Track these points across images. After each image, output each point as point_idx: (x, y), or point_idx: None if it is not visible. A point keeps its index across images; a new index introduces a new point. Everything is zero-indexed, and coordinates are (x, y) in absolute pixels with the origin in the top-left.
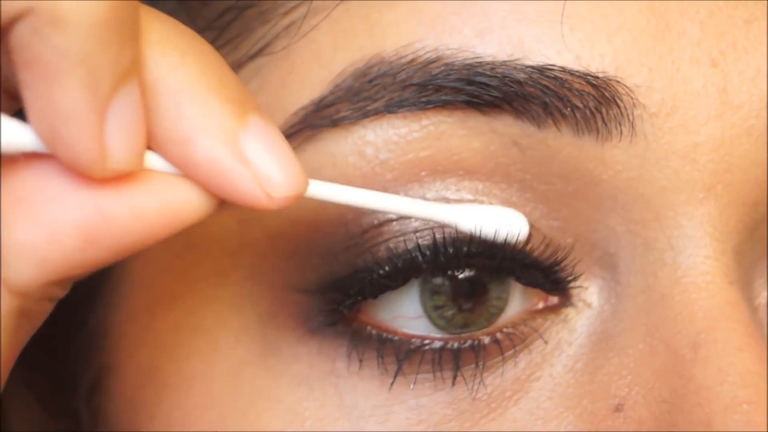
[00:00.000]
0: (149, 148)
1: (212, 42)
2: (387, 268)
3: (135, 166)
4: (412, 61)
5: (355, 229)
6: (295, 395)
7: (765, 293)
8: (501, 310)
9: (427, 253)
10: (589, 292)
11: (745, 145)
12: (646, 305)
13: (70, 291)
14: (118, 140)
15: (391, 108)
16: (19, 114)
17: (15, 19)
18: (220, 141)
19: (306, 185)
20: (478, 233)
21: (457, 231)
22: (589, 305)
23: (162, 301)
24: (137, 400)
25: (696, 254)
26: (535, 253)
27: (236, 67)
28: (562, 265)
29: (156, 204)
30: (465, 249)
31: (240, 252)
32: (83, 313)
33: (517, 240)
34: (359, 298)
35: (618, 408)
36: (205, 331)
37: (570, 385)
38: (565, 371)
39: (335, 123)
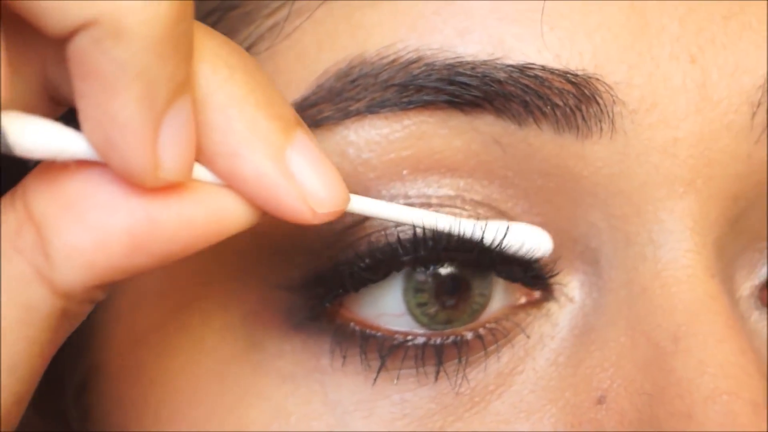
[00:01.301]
0: (197, 160)
1: None
2: (368, 261)
3: (185, 177)
4: (394, 61)
5: (338, 226)
6: (280, 392)
7: (746, 285)
8: (484, 306)
9: (408, 246)
10: (571, 286)
11: (724, 139)
12: (627, 299)
13: None
14: (171, 152)
15: (373, 108)
16: (62, 119)
17: (77, 30)
18: (267, 156)
19: (347, 201)
20: (505, 249)
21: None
22: (571, 299)
23: (147, 301)
24: (125, 398)
25: (677, 248)
26: (514, 248)
27: None
28: (545, 262)
29: (203, 213)
30: (444, 242)
31: (224, 251)
32: None
33: (541, 255)
34: (341, 291)
35: (600, 400)
36: (191, 329)
37: (552, 379)
38: (547, 365)
39: (318, 123)
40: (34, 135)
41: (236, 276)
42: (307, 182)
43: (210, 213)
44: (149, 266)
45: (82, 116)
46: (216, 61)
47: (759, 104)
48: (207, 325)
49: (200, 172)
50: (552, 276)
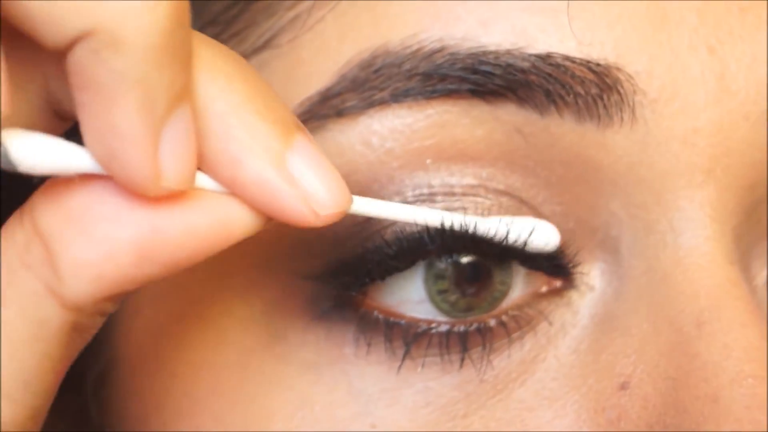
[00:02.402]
0: (199, 168)
1: (217, 36)
2: (394, 249)
3: (187, 185)
4: (417, 51)
5: (362, 216)
6: (304, 381)
7: (763, 273)
8: (504, 294)
9: (435, 234)
10: (592, 275)
11: (742, 129)
12: (648, 286)
13: None
14: (172, 160)
15: (397, 98)
16: (68, 134)
17: (75, 41)
18: (268, 162)
19: (350, 202)
20: (513, 243)
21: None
22: (591, 288)
23: (168, 293)
24: (144, 391)
25: (697, 235)
26: (528, 243)
27: None
28: (568, 249)
29: (207, 221)
30: (471, 232)
31: (246, 241)
32: None
33: (548, 248)
34: (366, 280)
35: (623, 386)
36: (212, 320)
37: (575, 366)
38: (569, 352)
39: (341, 113)
40: (36, 151)
41: (258, 266)
42: (309, 185)
43: (214, 221)
44: (157, 276)
45: (84, 128)
46: (213, 70)
47: None
48: (228, 316)
49: (203, 180)
50: (575, 266)
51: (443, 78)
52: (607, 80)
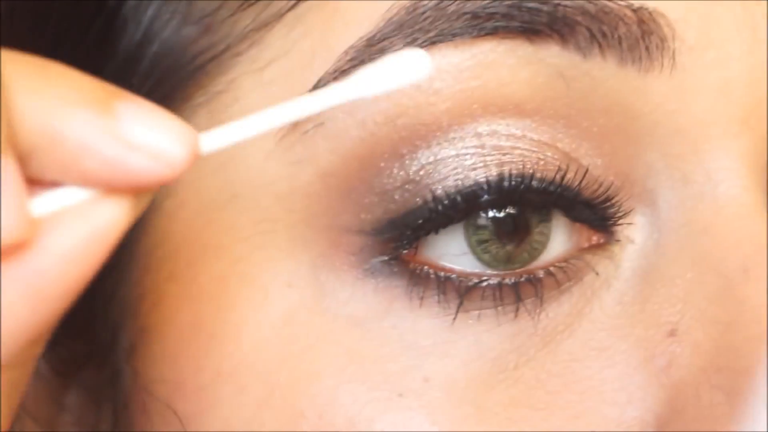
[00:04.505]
0: (57, 184)
1: None
2: (446, 203)
3: (24, 235)
4: None
5: (411, 165)
6: (353, 336)
7: None
8: (543, 246)
9: (490, 186)
10: (631, 228)
11: None
12: (689, 237)
13: None
14: (2, 216)
15: (443, 37)
16: None
17: None
18: (103, 140)
19: (196, 138)
20: (387, 88)
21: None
22: (632, 241)
23: (205, 255)
24: (180, 356)
25: (735, 185)
26: (587, 192)
27: (276, 18)
28: (614, 201)
29: (77, 237)
30: (528, 183)
31: (290, 196)
32: (111, 286)
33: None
34: (420, 233)
35: (672, 333)
36: (254, 278)
37: (620, 317)
38: (614, 304)
39: None
40: None
41: (304, 221)
42: (150, 141)
43: (83, 232)
44: (62, 305)
45: None
46: (18, 94)
47: None
48: (271, 273)
49: (57, 197)
50: (619, 217)
51: (490, 16)
52: (651, 24)
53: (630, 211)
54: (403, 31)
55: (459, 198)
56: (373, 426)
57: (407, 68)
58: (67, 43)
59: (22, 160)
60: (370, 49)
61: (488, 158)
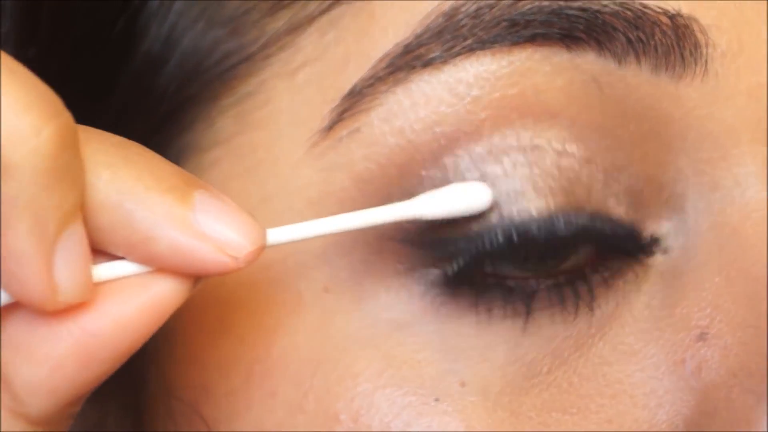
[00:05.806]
0: (118, 255)
1: None
2: (501, 240)
3: (84, 297)
4: None
5: (456, 177)
6: (392, 340)
7: None
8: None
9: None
10: (659, 233)
11: None
12: (717, 241)
13: None
14: (66, 276)
15: (482, 45)
16: None
17: None
18: (175, 228)
19: (264, 235)
20: (445, 216)
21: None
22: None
23: None
24: (207, 360)
25: (763, 190)
26: (615, 214)
27: (308, 21)
28: (642, 231)
29: (135, 307)
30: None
31: (324, 201)
32: None
33: (481, 209)
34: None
35: (701, 337)
36: (287, 283)
37: (649, 320)
38: (642, 308)
39: (426, 64)
40: None
41: None
42: (219, 234)
43: (141, 304)
44: (108, 370)
45: None
46: (96, 166)
47: None
48: (305, 278)
49: (122, 267)
50: (647, 238)
51: (528, 23)
52: (685, 30)
53: (653, 218)
54: (441, 38)
55: (514, 232)
56: (408, 430)
57: (470, 199)
58: (90, 42)
59: (92, 231)
60: (408, 55)
61: (539, 182)
